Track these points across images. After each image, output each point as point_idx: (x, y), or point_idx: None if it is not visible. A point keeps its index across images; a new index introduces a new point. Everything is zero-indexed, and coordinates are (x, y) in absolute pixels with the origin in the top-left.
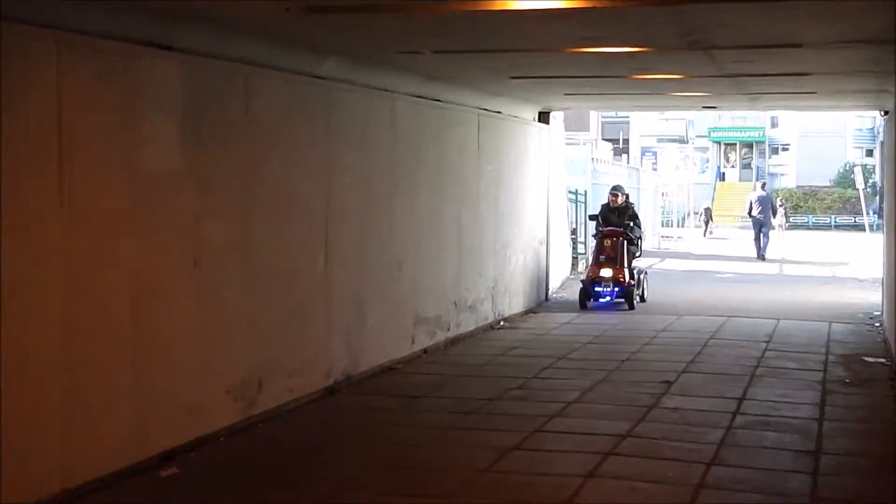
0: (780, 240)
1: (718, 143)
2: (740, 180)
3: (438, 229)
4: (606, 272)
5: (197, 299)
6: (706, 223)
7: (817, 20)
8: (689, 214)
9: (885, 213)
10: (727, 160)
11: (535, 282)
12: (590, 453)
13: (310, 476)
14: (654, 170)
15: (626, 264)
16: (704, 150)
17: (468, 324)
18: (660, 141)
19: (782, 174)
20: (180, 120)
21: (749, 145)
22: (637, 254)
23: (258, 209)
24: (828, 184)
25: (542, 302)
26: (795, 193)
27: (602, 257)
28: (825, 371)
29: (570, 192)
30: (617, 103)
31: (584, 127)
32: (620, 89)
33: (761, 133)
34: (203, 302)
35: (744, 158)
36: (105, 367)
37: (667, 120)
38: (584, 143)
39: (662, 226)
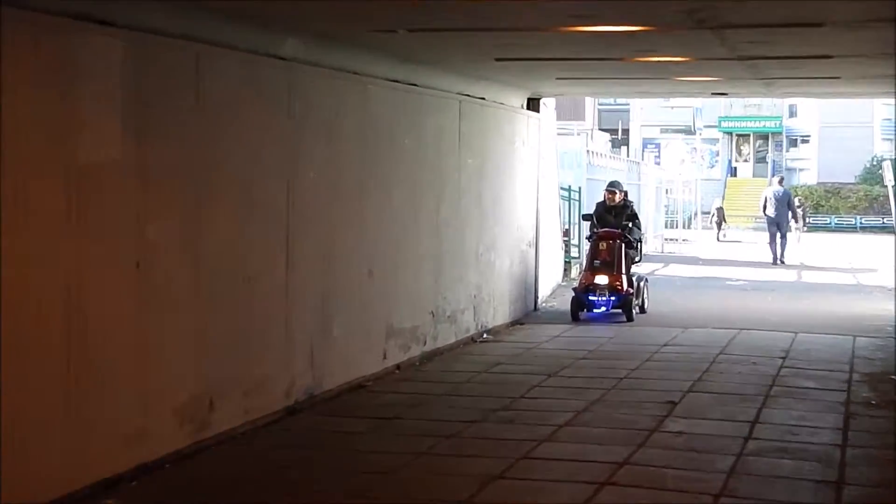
0: (798, 243)
1: (729, 134)
2: (754, 176)
3: (414, 230)
4: (602, 279)
5: (139, 307)
6: (719, 224)
7: None
8: (696, 214)
9: None
10: (739, 153)
11: (522, 289)
12: (583, 483)
13: None
14: (657, 164)
15: (623, 270)
16: (714, 141)
17: (447, 336)
18: (664, 132)
19: (801, 169)
20: (122, 105)
21: (764, 137)
22: (636, 258)
23: (210, 207)
24: (852, 180)
25: (530, 312)
26: (816, 191)
27: (597, 262)
28: (848, 391)
29: (562, 188)
30: (615, 89)
31: (579, 116)
32: (619, 73)
33: (778, 123)
34: (146, 310)
35: (758, 151)
36: (36, 386)
37: (671, 108)
38: (579, 134)
39: (666, 227)
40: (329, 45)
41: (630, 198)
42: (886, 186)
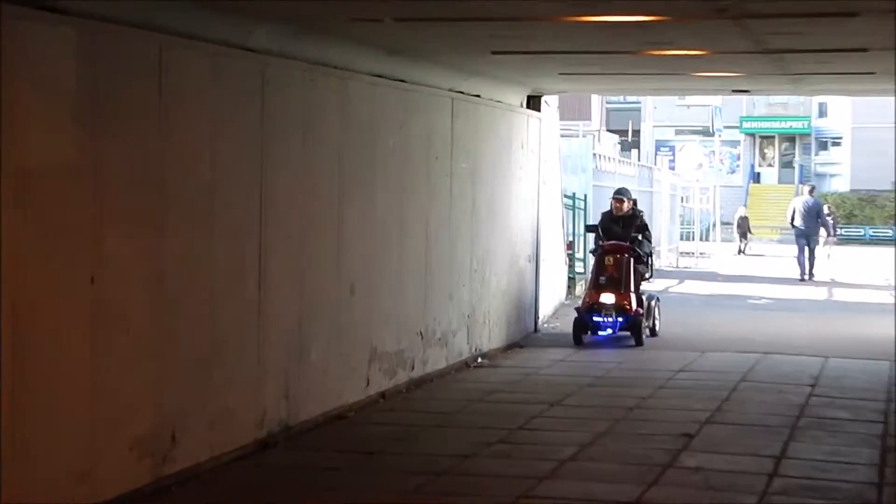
0: (828, 258)
1: (752, 135)
2: (780, 182)
3: (400, 242)
4: (608, 298)
5: (93, 328)
6: (743, 236)
7: None
8: (714, 225)
9: None
10: (763, 157)
11: (521, 308)
12: None
13: None
14: (672, 169)
15: (632, 288)
16: (735, 144)
17: (437, 361)
18: (679, 133)
19: (832, 175)
20: (75, 101)
21: (791, 139)
22: (647, 275)
23: (174, 215)
24: (889, 187)
25: (529, 334)
26: (849, 199)
27: (602, 279)
28: (885, 423)
29: (566, 196)
30: (625, 86)
31: (585, 115)
32: (629, 68)
33: (806, 124)
34: (101, 331)
35: (784, 155)
36: None
37: (688, 107)
38: (585, 136)
39: (681, 239)
40: (306, 36)
41: (640, 207)
42: None
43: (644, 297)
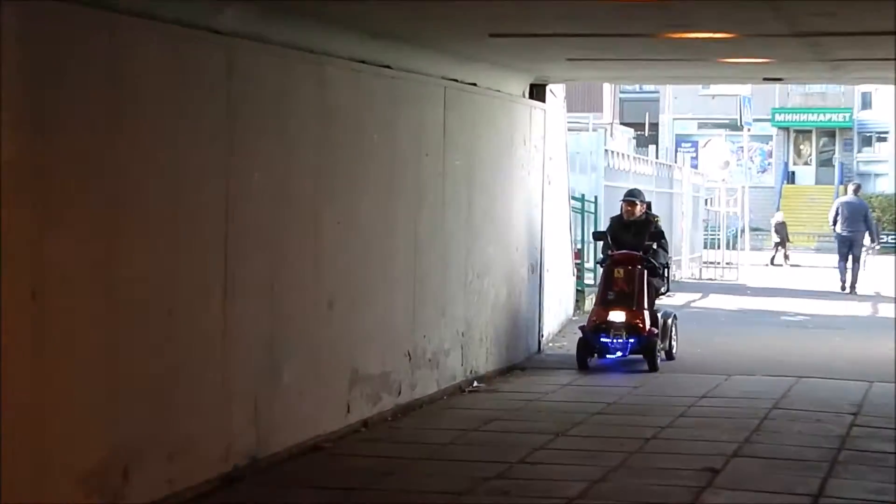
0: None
1: (786, 129)
2: (817, 183)
3: (386, 250)
4: (617, 316)
5: (35, 348)
6: (781, 244)
7: None
8: (742, 231)
9: None
10: (798, 154)
11: (522, 326)
12: None
13: None
14: (694, 167)
15: (646, 304)
16: (766, 139)
17: (428, 385)
18: (702, 127)
19: (877, 174)
20: (14, 89)
21: (830, 133)
22: (663, 289)
23: (127, 219)
24: None
25: (532, 355)
26: None
27: (611, 294)
28: None
29: (574, 198)
30: (640, 73)
31: (596, 107)
32: (645, 53)
33: (847, 117)
34: (44, 352)
35: (822, 152)
36: None
37: (712, 97)
38: (596, 130)
39: (706, 247)
40: (278, 16)
41: (656, 210)
42: None
43: (659, 315)
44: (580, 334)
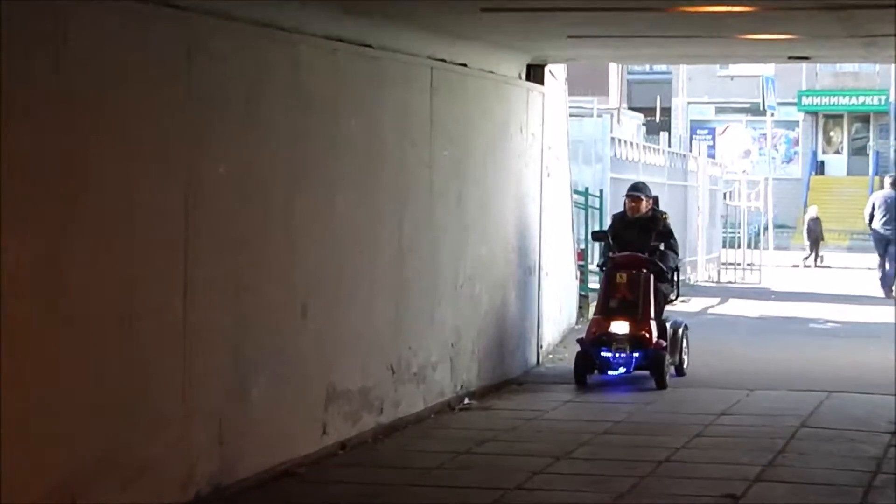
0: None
1: (814, 114)
2: (849, 173)
3: (366, 251)
4: (620, 327)
5: None
6: (815, 243)
7: None
8: (766, 228)
9: None
10: (828, 142)
11: (519, 335)
12: None
13: None
14: (712, 157)
15: (652, 313)
16: (792, 125)
17: (413, 402)
18: (720, 112)
19: None
20: None
21: (863, 118)
22: (672, 296)
23: (76, 216)
24: None
25: (530, 368)
26: None
27: (613, 302)
28: None
29: (577, 191)
30: (650, 52)
31: (601, 90)
32: (656, 30)
33: (883, 99)
34: None
35: (855, 139)
36: None
37: (731, 79)
38: (601, 116)
39: (725, 246)
40: None
41: (665, 206)
42: None
43: (668, 326)
44: (578, 348)
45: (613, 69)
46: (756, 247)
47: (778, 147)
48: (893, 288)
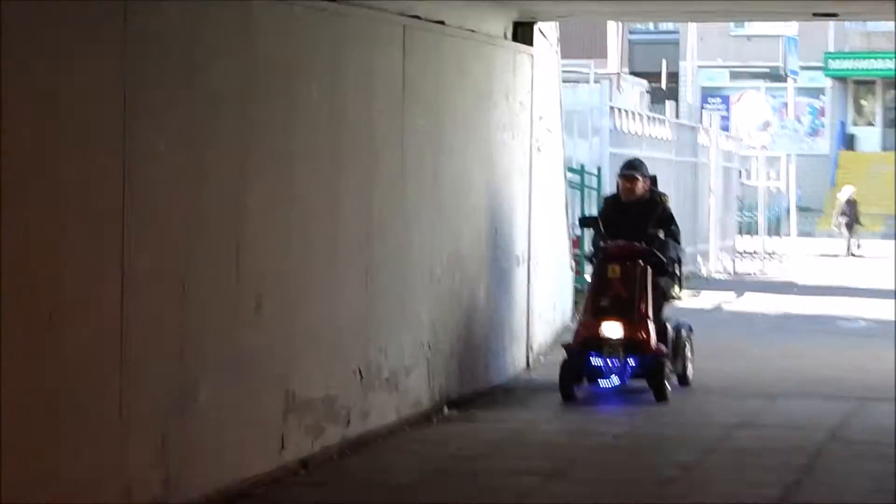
0: None
1: (842, 79)
2: (884, 148)
3: (328, 237)
4: (612, 329)
5: None
6: (849, 227)
7: None
8: (788, 212)
9: None
10: (859, 112)
11: (506, 334)
12: None
13: None
14: (725, 130)
15: (650, 312)
16: (816, 93)
17: (385, 412)
18: (735, 77)
19: None
20: None
21: None
22: (673, 292)
23: None
24: None
25: (518, 373)
26: None
27: (604, 301)
28: None
29: (571, 169)
30: (655, 8)
31: (598, 52)
32: None
33: None
34: None
35: (890, 108)
36: None
37: (748, 39)
38: (599, 82)
39: (740, 233)
40: None
41: (669, 186)
42: None
43: (669, 327)
44: (565, 354)
45: (613, 28)
46: (777, 233)
47: (801, 118)
48: None
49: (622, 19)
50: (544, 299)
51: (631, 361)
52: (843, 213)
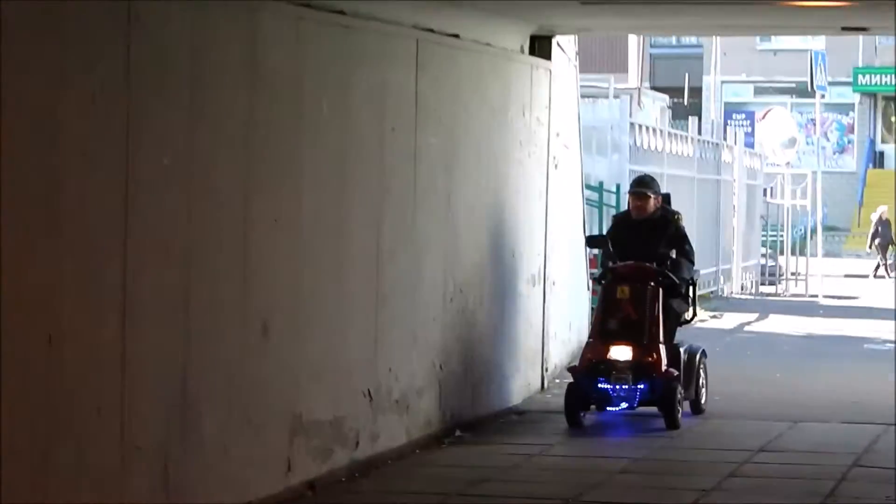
0: None
1: (871, 95)
2: None
3: (338, 258)
4: (622, 352)
5: None
6: (883, 249)
7: None
8: (813, 230)
9: None
10: (888, 128)
11: (520, 356)
12: None
13: None
14: (750, 147)
15: (661, 336)
16: (845, 109)
17: (394, 434)
18: (760, 93)
19: None
20: None
21: None
22: (687, 315)
23: None
24: None
25: (533, 394)
26: None
27: (612, 323)
28: None
29: (589, 186)
30: (678, 21)
31: (618, 66)
32: None
33: None
34: None
35: None
36: None
37: (773, 53)
38: (619, 97)
39: (765, 251)
40: None
41: (686, 204)
42: None
43: (682, 351)
44: (570, 380)
45: (633, 42)
46: (802, 253)
47: (829, 135)
48: None
49: (643, 33)
50: (560, 320)
51: (640, 386)
52: (875, 234)
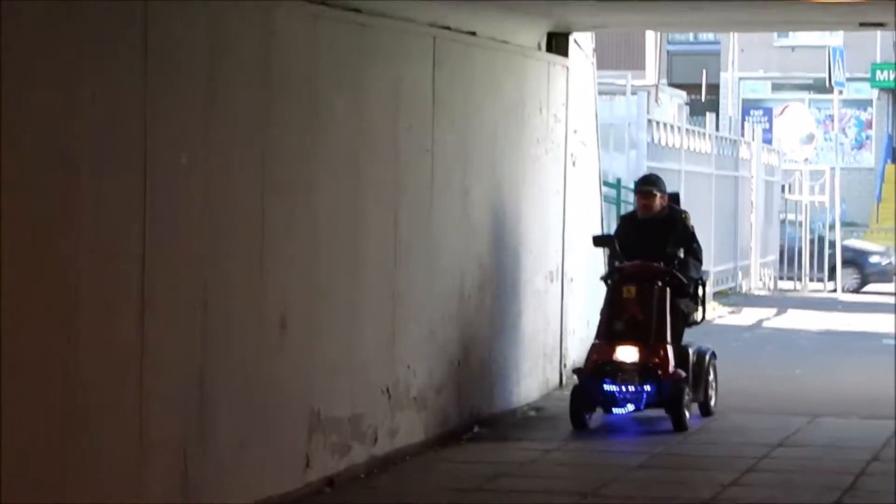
0: None
1: (889, 90)
2: None
3: (355, 255)
4: (628, 353)
5: None
6: None
7: None
8: (832, 226)
9: None
10: None
11: (538, 352)
12: None
13: None
14: (768, 143)
15: (668, 337)
16: (863, 105)
17: (413, 431)
18: (778, 89)
19: None
20: None
21: None
22: (695, 316)
23: (7, 213)
24: None
25: (551, 390)
26: None
27: (618, 324)
28: None
29: (607, 183)
30: (695, 17)
31: (636, 63)
32: None
33: None
34: None
35: None
36: None
37: (791, 50)
38: (636, 94)
39: (784, 250)
40: None
41: (703, 202)
42: None
43: (690, 352)
44: (576, 380)
45: (651, 39)
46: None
47: (847, 131)
48: None
49: (661, 29)
50: (578, 316)
51: (647, 388)
52: None
